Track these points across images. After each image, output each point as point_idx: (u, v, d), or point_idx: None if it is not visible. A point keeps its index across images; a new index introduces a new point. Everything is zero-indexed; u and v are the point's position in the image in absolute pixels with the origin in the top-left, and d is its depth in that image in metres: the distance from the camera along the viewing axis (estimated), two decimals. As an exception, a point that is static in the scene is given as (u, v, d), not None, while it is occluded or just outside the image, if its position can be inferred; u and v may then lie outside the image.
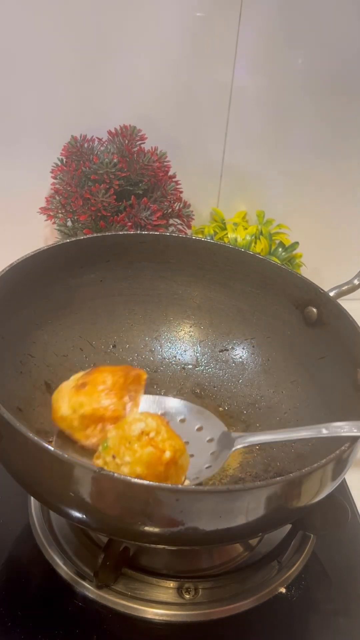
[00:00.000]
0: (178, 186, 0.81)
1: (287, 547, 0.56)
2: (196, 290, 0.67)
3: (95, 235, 0.62)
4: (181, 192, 0.82)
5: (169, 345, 0.67)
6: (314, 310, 0.60)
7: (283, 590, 0.54)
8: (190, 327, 0.67)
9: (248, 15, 0.75)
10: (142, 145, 0.78)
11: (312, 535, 0.57)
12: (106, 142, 0.79)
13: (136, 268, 0.65)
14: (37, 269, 0.57)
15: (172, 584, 0.52)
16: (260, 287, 0.64)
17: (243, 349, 0.66)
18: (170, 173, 0.80)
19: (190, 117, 0.82)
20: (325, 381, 0.59)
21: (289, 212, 0.89)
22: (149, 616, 0.50)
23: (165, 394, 0.64)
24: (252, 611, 0.52)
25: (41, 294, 0.59)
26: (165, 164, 0.79)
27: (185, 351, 0.67)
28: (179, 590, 0.52)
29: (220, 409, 0.64)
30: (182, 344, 0.67)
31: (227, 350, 0.66)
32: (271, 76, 0.80)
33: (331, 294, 0.61)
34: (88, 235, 0.61)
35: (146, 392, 0.63)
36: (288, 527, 0.57)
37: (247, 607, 0.52)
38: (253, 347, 0.65)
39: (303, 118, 0.83)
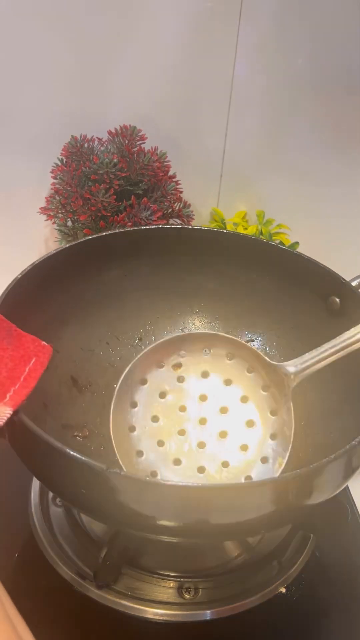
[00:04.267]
0: (178, 186, 0.81)
1: (287, 547, 0.56)
2: (222, 283, 0.66)
3: (118, 230, 0.61)
4: (181, 192, 0.82)
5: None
6: (337, 300, 0.60)
7: (283, 590, 0.54)
8: (216, 320, 0.67)
9: (248, 15, 0.75)
10: (142, 145, 0.78)
11: (312, 535, 0.58)
12: (106, 142, 0.79)
13: (161, 262, 0.65)
14: (60, 266, 0.57)
15: (172, 583, 0.52)
16: (284, 278, 0.63)
17: (268, 339, 0.66)
18: (170, 173, 0.80)
19: (190, 117, 0.82)
20: (348, 371, 0.58)
21: (289, 212, 0.89)
22: (149, 616, 0.50)
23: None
24: (252, 611, 0.52)
25: (65, 290, 0.59)
26: (165, 164, 0.79)
27: None
28: (179, 590, 0.52)
29: None
30: None
31: (253, 341, 0.66)
32: (271, 76, 0.80)
33: (354, 283, 0.60)
34: (111, 231, 0.61)
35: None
36: (288, 527, 0.57)
37: (247, 607, 0.52)
38: (278, 337, 0.65)
39: (303, 118, 0.83)
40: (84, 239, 0.59)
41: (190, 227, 0.64)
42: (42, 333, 0.56)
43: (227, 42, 0.77)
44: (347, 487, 0.64)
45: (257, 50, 0.78)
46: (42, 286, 0.55)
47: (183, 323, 0.67)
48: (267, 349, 0.66)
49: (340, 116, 0.83)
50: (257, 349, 0.64)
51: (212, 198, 0.88)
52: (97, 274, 0.62)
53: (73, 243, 0.58)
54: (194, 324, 0.67)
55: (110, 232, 0.61)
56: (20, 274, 0.53)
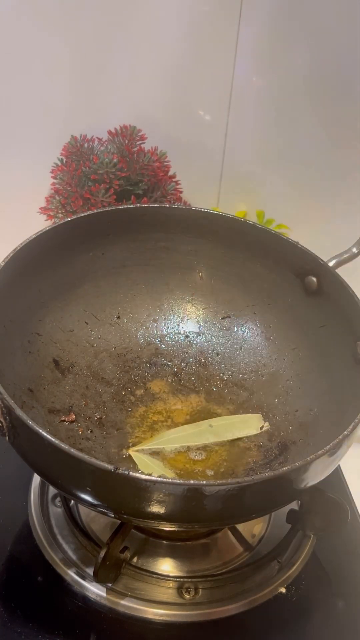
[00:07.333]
0: (178, 186, 0.81)
1: (287, 547, 0.56)
2: (198, 260, 0.66)
3: (95, 211, 0.61)
4: (181, 192, 0.82)
5: (172, 314, 0.67)
6: (314, 279, 0.60)
7: (283, 590, 0.54)
8: (192, 295, 0.67)
9: (248, 15, 0.75)
10: (142, 145, 0.78)
11: (312, 535, 0.57)
12: (106, 142, 0.79)
13: (137, 240, 0.64)
14: (40, 250, 0.57)
15: (172, 583, 0.52)
16: (260, 256, 0.63)
17: (245, 316, 0.66)
18: (170, 173, 0.80)
19: (190, 117, 0.82)
20: (326, 350, 0.59)
21: (289, 212, 0.89)
22: (149, 616, 0.50)
23: (170, 363, 0.65)
24: (252, 611, 0.52)
25: (45, 273, 0.59)
26: (165, 164, 0.79)
27: (188, 320, 0.67)
28: (179, 590, 0.52)
29: (225, 376, 0.64)
30: (184, 313, 0.67)
31: (230, 317, 0.66)
32: (271, 76, 0.80)
33: (331, 263, 0.60)
34: (88, 212, 0.61)
35: (151, 362, 0.65)
36: (288, 527, 0.57)
37: (247, 607, 0.52)
38: (254, 314, 0.65)
39: (303, 118, 0.83)
40: (61, 222, 0.59)
41: (166, 205, 0.64)
42: (24, 317, 0.57)
43: (227, 43, 0.77)
44: (347, 488, 0.64)
45: (257, 51, 0.78)
46: (23, 271, 0.56)
47: (159, 300, 0.67)
48: (244, 325, 0.66)
49: (339, 116, 0.83)
50: (234, 324, 0.66)
51: (212, 198, 0.88)
52: (75, 255, 0.62)
53: (51, 226, 0.58)
54: (170, 301, 0.67)
55: (86, 213, 0.61)
56: (3, 261, 0.53)
